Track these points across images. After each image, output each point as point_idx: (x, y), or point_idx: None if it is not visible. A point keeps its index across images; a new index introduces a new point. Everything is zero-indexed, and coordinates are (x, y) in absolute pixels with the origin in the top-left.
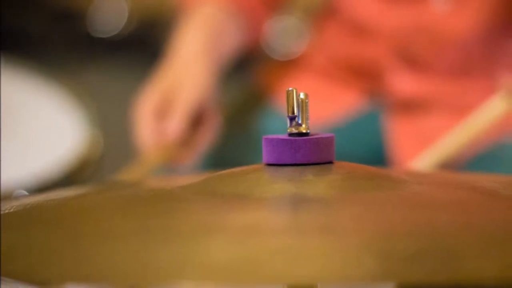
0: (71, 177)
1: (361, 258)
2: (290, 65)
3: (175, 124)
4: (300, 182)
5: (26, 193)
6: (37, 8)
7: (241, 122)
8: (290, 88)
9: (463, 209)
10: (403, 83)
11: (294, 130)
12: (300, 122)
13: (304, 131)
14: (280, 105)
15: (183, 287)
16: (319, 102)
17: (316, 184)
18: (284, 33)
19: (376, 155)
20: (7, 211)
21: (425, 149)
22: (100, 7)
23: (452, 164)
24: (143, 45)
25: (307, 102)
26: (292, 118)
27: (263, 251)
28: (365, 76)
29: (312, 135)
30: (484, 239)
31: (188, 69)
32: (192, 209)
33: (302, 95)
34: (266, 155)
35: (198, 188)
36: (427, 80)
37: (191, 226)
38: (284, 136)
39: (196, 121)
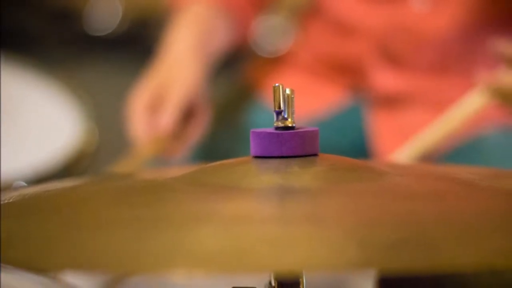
0: (68, 169)
1: (344, 247)
2: (276, 62)
3: (167, 118)
4: (286, 173)
5: (25, 184)
6: (35, 8)
7: (230, 116)
8: (276, 84)
9: (441, 200)
10: (385, 80)
11: (280, 124)
12: (286, 116)
13: (290, 125)
14: (267, 100)
15: (174, 274)
16: (305, 97)
17: (301, 175)
18: (271, 32)
19: (359, 148)
20: (6, 201)
21: (406, 142)
22: (96, 7)
23: (431, 157)
24: (137, 43)
25: (293, 97)
26: (278, 113)
27: (251, 240)
28: (348, 72)
29: (297, 128)
30: (462, 229)
31: (179, 65)
32: (183, 200)
33: (288, 91)
34: (253, 148)
35: (189, 179)
36: (407, 76)
37: (182, 216)
38: (271, 129)
39: (187, 115)
